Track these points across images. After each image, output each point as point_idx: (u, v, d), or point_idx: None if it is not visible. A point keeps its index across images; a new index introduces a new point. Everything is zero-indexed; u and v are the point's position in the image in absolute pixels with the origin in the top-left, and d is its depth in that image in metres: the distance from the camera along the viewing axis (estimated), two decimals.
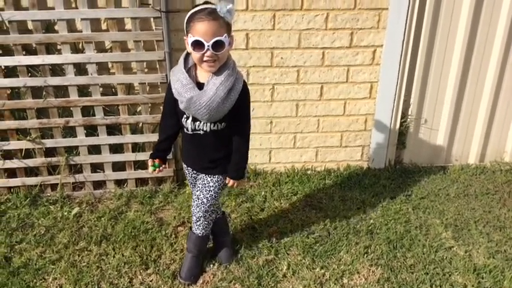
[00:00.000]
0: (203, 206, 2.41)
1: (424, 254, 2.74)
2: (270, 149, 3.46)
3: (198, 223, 2.48)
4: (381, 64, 3.25)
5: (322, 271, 2.60)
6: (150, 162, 2.39)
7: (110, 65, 3.09)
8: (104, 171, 3.24)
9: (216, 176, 2.39)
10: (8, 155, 3.11)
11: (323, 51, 3.18)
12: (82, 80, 2.99)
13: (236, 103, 2.18)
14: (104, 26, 3.01)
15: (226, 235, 2.70)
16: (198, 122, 2.24)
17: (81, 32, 2.91)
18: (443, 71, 3.41)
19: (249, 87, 3.10)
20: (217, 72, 2.13)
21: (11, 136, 3.06)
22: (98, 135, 3.14)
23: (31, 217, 3.00)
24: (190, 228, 2.58)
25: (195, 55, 2.08)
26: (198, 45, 2.02)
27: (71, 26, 2.94)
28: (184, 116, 2.25)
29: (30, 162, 3.13)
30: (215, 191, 2.40)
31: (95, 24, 2.96)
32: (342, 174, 3.52)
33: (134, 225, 2.91)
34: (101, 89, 3.07)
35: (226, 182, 2.39)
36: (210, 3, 2.05)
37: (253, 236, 2.85)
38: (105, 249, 2.72)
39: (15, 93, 3.04)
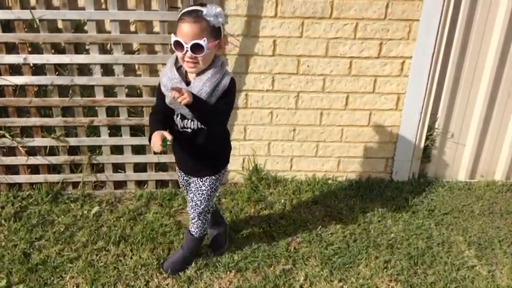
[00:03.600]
0: (197, 208, 2.45)
1: (445, 271, 2.68)
2: (291, 156, 3.43)
3: (193, 221, 2.54)
4: (409, 76, 3.20)
5: (340, 284, 2.56)
6: (167, 135, 2.10)
7: (136, 67, 3.10)
8: (125, 172, 3.25)
9: (208, 179, 2.41)
10: (32, 151, 3.14)
11: (350, 60, 3.14)
12: (108, 80, 3.01)
13: (220, 97, 2.18)
14: (132, 28, 3.02)
15: (219, 227, 2.77)
16: (186, 120, 2.26)
17: (110, 33, 2.92)
18: (473, 85, 3.34)
19: (274, 94, 3.18)
20: (204, 70, 2.15)
21: (36, 133, 3.09)
22: (121, 136, 3.15)
23: (51, 214, 3.02)
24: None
25: (178, 54, 2.12)
26: (178, 45, 2.06)
27: (100, 26, 2.95)
28: (175, 113, 2.27)
29: (53, 160, 3.16)
30: (208, 194, 2.43)
31: (124, 25, 2.97)
32: (363, 185, 3.47)
33: (153, 227, 2.91)
34: (127, 90, 3.08)
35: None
36: (203, 4, 2.06)
37: (271, 244, 2.83)
38: (122, 250, 2.73)
39: (42, 90, 3.07)
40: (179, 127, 2.29)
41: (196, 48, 2.03)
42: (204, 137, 2.28)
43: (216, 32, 2.08)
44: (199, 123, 2.23)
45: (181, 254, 2.61)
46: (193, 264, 2.62)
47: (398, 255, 2.79)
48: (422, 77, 3.20)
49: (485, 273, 2.69)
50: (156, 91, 2.33)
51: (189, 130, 2.28)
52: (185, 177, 2.53)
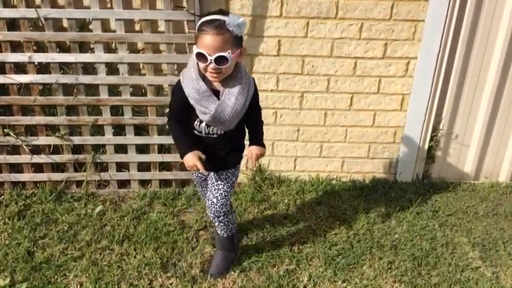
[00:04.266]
0: (213, 207, 2.41)
1: (449, 273, 2.66)
2: (295, 156, 3.42)
3: (216, 224, 2.52)
4: (414, 76, 3.19)
5: (344, 284, 2.55)
6: (199, 159, 2.18)
7: (141, 66, 3.10)
8: (129, 171, 3.25)
9: (224, 173, 2.40)
10: (36, 150, 3.15)
11: (355, 60, 3.13)
12: (113, 79, 3.01)
13: (250, 103, 2.22)
14: (137, 27, 3.02)
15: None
16: (212, 127, 2.24)
17: (115, 32, 2.93)
18: (478, 86, 3.33)
19: (278, 94, 3.19)
20: (232, 80, 2.13)
21: (40, 132, 3.09)
22: (125, 135, 3.15)
23: (55, 213, 3.02)
24: None
25: (200, 65, 2.07)
26: (201, 57, 2.01)
27: (105, 25, 2.96)
28: (198, 119, 2.23)
29: (57, 158, 3.16)
30: (224, 190, 2.40)
31: (129, 24, 2.97)
32: (367, 186, 3.46)
33: (156, 226, 2.91)
34: (131, 89, 3.08)
35: (248, 154, 2.36)
36: (224, 12, 2.02)
37: (275, 244, 2.82)
38: (126, 249, 2.73)
39: (46, 89, 3.07)
40: (203, 133, 2.27)
41: (220, 60, 2.00)
42: (229, 139, 2.31)
43: (238, 41, 2.06)
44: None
45: (220, 254, 2.61)
46: (198, 264, 2.62)
47: (402, 256, 2.78)
48: (427, 78, 3.19)
49: (490, 274, 2.68)
50: (176, 97, 2.22)
51: (215, 135, 2.27)
52: (200, 174, 2.55)
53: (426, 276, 2.64)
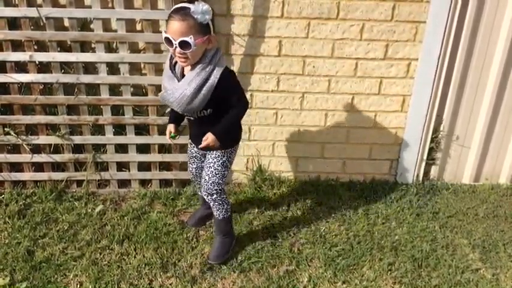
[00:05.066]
0: (205, 184, 2.53)
1: (449, 274, 2.66)
2: (296, 157, 3.42)
3: (211, 205, 2.62)
4: (415, 78, 3.19)
5: (344, 286, 2.55)
6: (172, 128, 2.55)
7: (142, 66, 3.10)
8: (129, 171, 3.25)
9: (214, 152, 2.52)
10: (37, 149, 3.14)
11: (356, 61, 3.13)
12: (114, 79, 3.01)
13: (217, 93, 2.28)
14: (138, 27, 3.02)
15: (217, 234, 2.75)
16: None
17: (116, 31, 2.92)
18: (479, 88, 3.33)
19: (279, 94, 3.18)
20: (194, 66, 2.26)
21: (41, 131, 3.09)
22: (126, 135, 3.15)
23: (55, 212, 3.02)
24: None
25: (170, 50, 2.22)
26: (168, 41, 2.17)
27: (106, 25, 2.95)
28: None
29: (57, 158, 3.16)
30: (215, 168, 2.51)
31: (130, 24, 2.97)
32: (367, 187, 3.46)
33: (156, 226, 2.91)
34: (132, 89, 3.07)
35: (204, 138, 2.38)
36: (192, 1, 2.15)
37: (275, 245, 2.82)
38: (126, 249, 2.73)
39: (47, 88, 3.07)
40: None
41: (184, 44, 2.14)
42: (207, 122, 2.39)
43: (204, 29, 2.18)
44: (197, 113, 2.37)
45: (217, 239, 2.70)
46: (198, 265, 2.62)
47: (402, 257, 2.78)
48: (428, 79, 3.19)
49: (490, 276, 2.67)
50: None
51: (191, 118, 2.45)
52: (195, 150, 2.67)
53: (426, 278, 2.64)
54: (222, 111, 2.37)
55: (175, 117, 2.57)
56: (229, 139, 2.53)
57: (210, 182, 2.52)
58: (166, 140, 2.63)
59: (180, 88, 2.24)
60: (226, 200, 2.63)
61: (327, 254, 2.77)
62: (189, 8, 2.11)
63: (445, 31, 3.07)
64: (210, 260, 2.65)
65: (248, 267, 2.64)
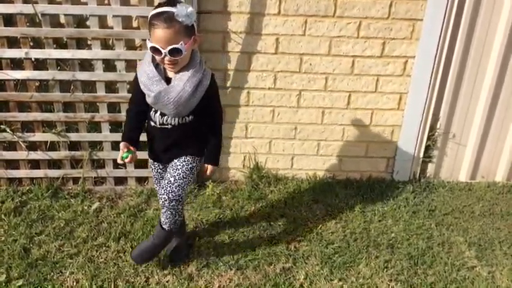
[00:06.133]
0: (169, 186, 2.30)
1: (445, 272, 2.67)
2: (292, 155, 3.42)
3: (163, 211, 2.38)
4: (412, 75, 3.19)
5: (340, 283, 2.55)
6: (123, 147, 2.28)
7: (138, 63, 3.08)
8: (125, 168, 3.24)
9: (184, 157, 2.37)
10: (33, 146, 3.13)
11: (353, 59, 3.13)
12: (110, 76, 3.00)
13: (204, 98, 2.23)
14: (134, 24, 3.01)
15: (179, 238, 2.62)
16: (166, 117, 2.26)
17: (112, 28, 2.91)
18: (476, 86, 3.33)
19: (276, 92, 3.18)
20: (183, 68, 2.17)
21: (37, 128, 3.08)
22: (122, 132, 3.13)
23: (51, 209, 3.01)
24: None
25: (156, 58, 2.12)
26: (155, 51, 2.07)
27: (102, 22, 2.94)
28: (153, 109, 2.28)
29: (53, 155, 3.15)
30: (182, 170, 2.33)
31: (126, 21, 2.95)
32: (364, 184, 3.47)
33: (153, 223, 2.90)
34: (128, 86, 3.06)
35: (205, 169, 2.41)
36: (172, 3, 2.04)
37: (271, 243, 2.82)
38: (123, 246, 2.72)
39: (43, 85, 3.06)
40: (157, 123, 2.30)
41: (174, 52, 2.05)
42: (184, 130, 2.31)
43: (189, 30, 2.08)
44: (179, 119, 2.27)
45: (151, 243, 2.45)
46: (194, 262, 2.62)
47: (398, 255, 2.78)
48: (425, 77, 3.19)
49: (485, 274, 2.68)
50: (134, 86, 2.33)
51: (169, 126, 2.29)
52: (159, 170, 2.52)
53: (422, 276, 2.64)
54: (200, 119, 2.31)
55: (129, 136, 2.36)
56: (203, 147, 2.44)
57: (176, 184, 2.30)
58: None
59: (177, 87, 2.15)
60: (181, 213, 2.43)
61: (323, 251, 2.77)
62: (172, 12, 1.99)
63: (442, 29, 3.07)
64: (132, 256, 2.46)
65: (245, 264, 2.64)
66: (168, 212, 2.37)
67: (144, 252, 2.46)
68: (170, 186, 2.31)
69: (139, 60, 3.04)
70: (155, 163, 2.50)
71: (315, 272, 2.62)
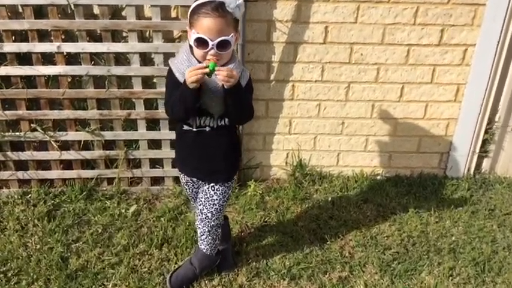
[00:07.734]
0: (207, 221, 2.24)
1: None
2: (338, 151, 3.21)
3: (202, 237, 2.32)
4: (471, 65, 2.95)
5: None
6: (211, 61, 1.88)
7: (170, 60, 2.88)
8: (163, 167, 3.06)
9: (220, 187, 2.20)
10: (65, 145, 2.96)
11: (408, 48, 2.90)
12: (147, 70, 2.81)
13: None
14: (173, 14, 2.79)
15: (225, 243, 2.49)
16: (205, 117, 2.06)
17: (150, 19, 2.70)
18: None
19: (323, 84, 2.99)
20: (225, 65, 1.95)
21: (69, 127, 2.90)
22: (159, 130, 2.95)
23: (87, 213, 2.84)
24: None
25: (198, 52, 1.91)
26: (201, 42, 1.86)
27: (139, 12, 2.74)
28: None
29: (87, 155, 2.98)
30: (220, 204, 2.22)
31: (165, 11, 2.74)
32: (415, 181, 3.25)
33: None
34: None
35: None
36: None
37: (323, 248, 2.64)
38: (166, 254, 2.56)
39: (76, 81, 2.88)
40: (195, 126, 2.09)
41: (222, 44, 1.86)
42: (222, 135, 2.12)
43: (236, 24, 1.92)
44: (218, 120, 2.06)
45: (193, 272, 2.37)
46: (244, 271, 2.44)
47: (462, 261, 2.58)
48: (486, 67, 2.96)
49: None
50: (168, 85, 2.11)
51: (207, 129, 2.09)
52: (194, 188, 2.34)
53: (491, 284, 2.45)
54: (233, 124, 2.17)
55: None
56: (236, 164, 2.29)
57: (214, 219, 2.23)
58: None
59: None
60: (220, 234, 2.35)
61: (380, 258, 2.58)
62: (222, 2, 1.83)
63: (506, 14, 2.83)
64: (170, 282, 2.34)
65: (298, 273, 2.46)
66: (210, 238, 2.31)
67: (185, 281, 2.36)
68: (208, 221, 2.24)
69: None
70: (187, 177, 2.31)
71: (375, 281, 2.43)
